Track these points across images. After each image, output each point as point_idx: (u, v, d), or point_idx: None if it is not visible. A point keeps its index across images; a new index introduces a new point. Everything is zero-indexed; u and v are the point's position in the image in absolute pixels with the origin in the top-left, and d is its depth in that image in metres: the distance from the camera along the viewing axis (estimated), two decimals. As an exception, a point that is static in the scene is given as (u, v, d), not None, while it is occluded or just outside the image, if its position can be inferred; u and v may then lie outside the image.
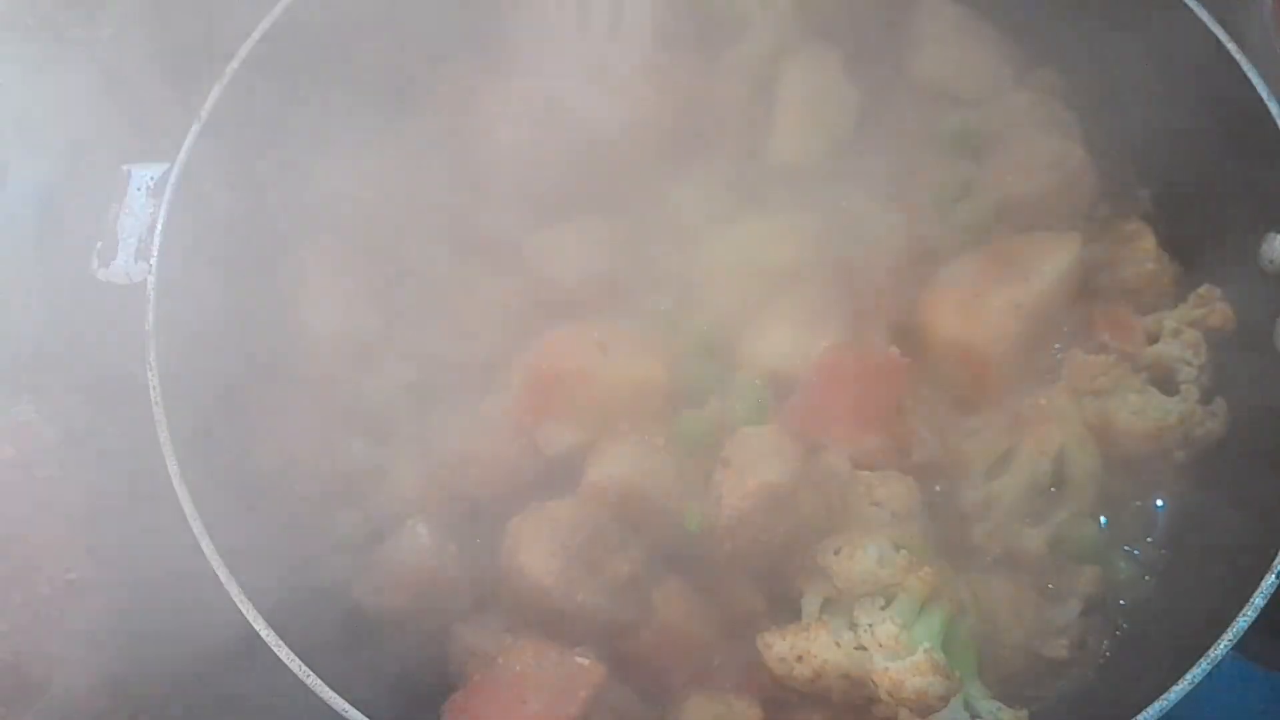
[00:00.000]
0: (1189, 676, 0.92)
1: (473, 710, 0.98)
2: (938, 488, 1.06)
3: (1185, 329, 1.10)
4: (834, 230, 1.13)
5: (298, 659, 0.91)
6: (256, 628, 0.91)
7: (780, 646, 0.98)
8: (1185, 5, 1.11)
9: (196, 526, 0.94)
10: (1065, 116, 1.20)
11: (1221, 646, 0.93)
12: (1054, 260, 1.09)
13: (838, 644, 0.96)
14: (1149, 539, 1.11)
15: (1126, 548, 1.10)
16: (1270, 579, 0.94)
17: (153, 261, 1.02)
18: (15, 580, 1.08)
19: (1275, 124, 1.06)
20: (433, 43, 1.21)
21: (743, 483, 0.99)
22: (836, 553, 0.98)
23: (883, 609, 0.97)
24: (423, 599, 1.02)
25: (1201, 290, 1.12)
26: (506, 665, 0.99)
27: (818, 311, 1.09)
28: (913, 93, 1.21)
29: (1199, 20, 1.11)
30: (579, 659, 0.98)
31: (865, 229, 1.14)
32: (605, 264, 1.12)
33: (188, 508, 0.94)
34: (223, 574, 0.93)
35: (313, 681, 0.90)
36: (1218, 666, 0.92)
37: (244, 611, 0.92)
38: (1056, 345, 1.11)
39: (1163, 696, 0.91)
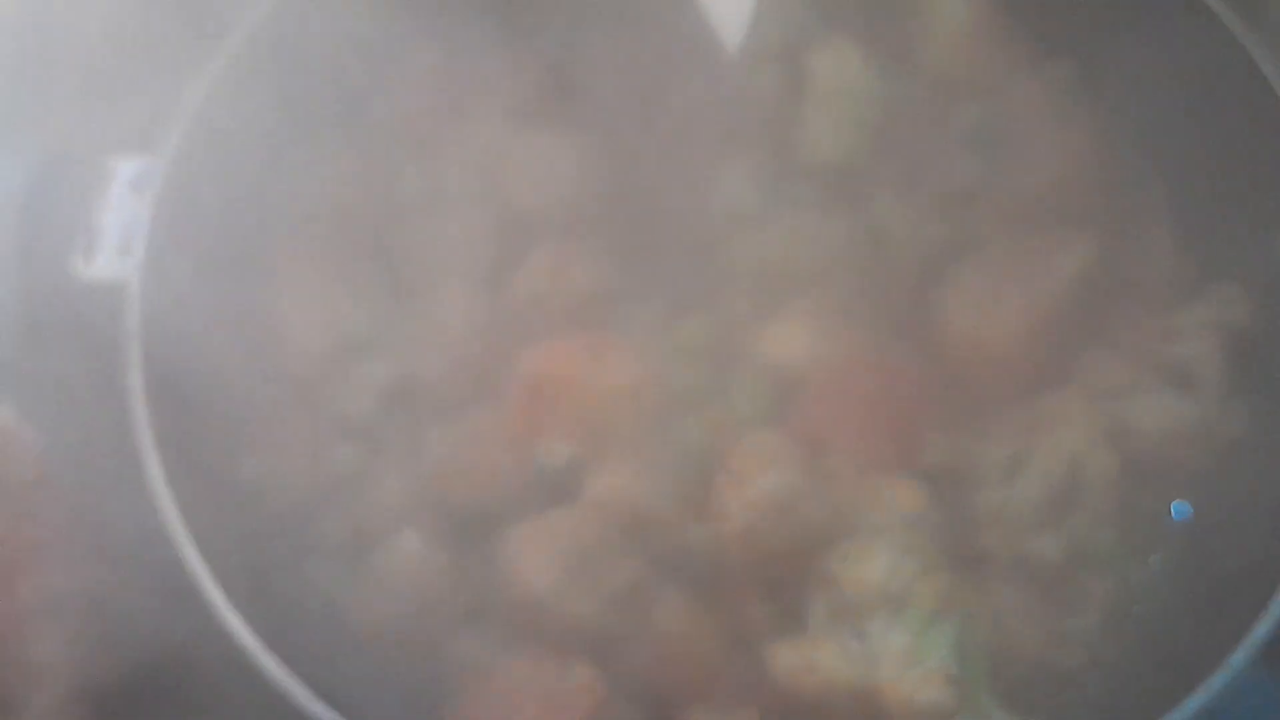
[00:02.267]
0: (1206, 686, 0.91)
1: (468, 722, 0.97)
2: (949, 493, 1.05)
3: (1202, 328, 1.08)
4: (856, 229, 1.12)
5: (286, 669, 0.90)
6: (243, 639, 0.91)
7: (787, 658, 0.97)
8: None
9: (181, 533, 0.93)
10: (1080, 112, 1.19)
11: (1240, 655, 0.91)
12: (1069, 259, 1.08)
13: (846, 654, 0.96)
14: (1166, 544, 1.08)
15: (1143, 554, 1.08)
16: (1290, 586, 0.93)
17: (137, 260, 1.02)
18: (-4, 587, 1.07)
19: (1292, 119, 1.05)
20: (416, 43, 1.19)
21: (746, 491, 0.98)
22: (844, 560, 0.98)
23: (892, 618, 0.96)
24: (415, 609, 1.02)
25: (1219, 289, 1.10)
26: (502, 677, 0.98)
27: (833, 313, 1.08)
28: (925, 85, 1.19)
29: (1215, 15, 1.10)
30: (577, 671, 0.97)
31: (883, 227, 1.13)
32: (608, 281, 1.11)
33: (172, 514, 0.94)
34: (208, 582, 0.92)
35: (302, 694, 0.89)
36: (1237, 676, 0.91)
37: (230, 621, 0.91)
38: (1071, 345, 1.10)
39: (1179, 706, 0.90)
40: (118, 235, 1.08)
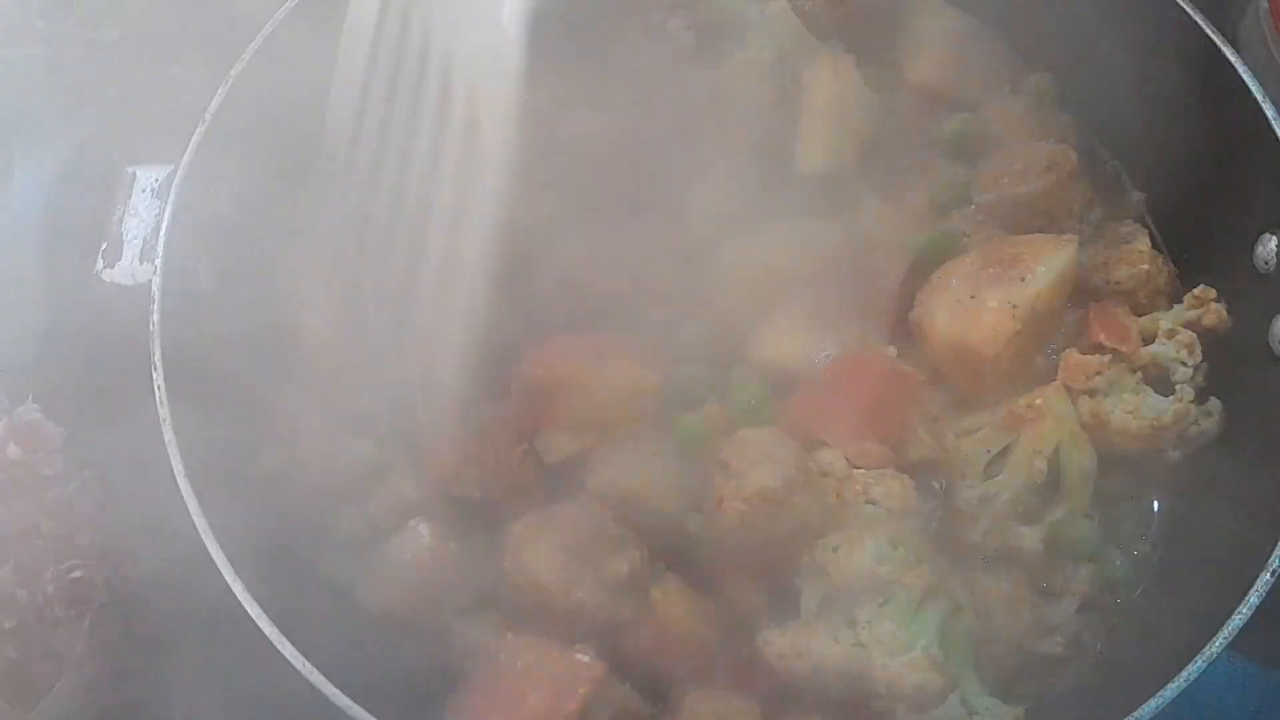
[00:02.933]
0: (1184, 674, 0.92)
1: (474, 706, 0.99)
2: (934, 486, 1.06)
3: (1180, 329, 1.10)
4: (847, 235, 1.14)
5: (301, 656, 0.91)
6: (260, 625, 0.92)
7: (779, 643, 0.98)
8: (1180, 8, 1.11)
9: (201, 525, 0.94)
10: (1060, 120, 1.22)
11: (1217, 644, 0.93)
12: (1049, 262, 1.09)
13: (836, 641, 0.97)
14: (1144, 537, 1.11)
15: (1122, 546, 1.10)
16: (1265, 577, 0.94)
17: (157, 262, 1.03)
18: (20, 578, 1.08)
19: (1269, 126, 1.06)
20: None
21: (741, 486, 0.99)
22: (834, 550, 0.99)
23: (880, 606, 0.97)
24: (424, 597, 1.03)
25: (1196, 291, 1.12)
26: (508, 662, 0.99)
27: (825, 314, 1.10)
28: (910, 96, 1.21)
29: (1194, 23, 1.11)
30: (579, 656, 0.98)
31: (872, 233, 1.14)
32: (611, 285, 1.13)
33: (192, 506, 0.95)
34: (227, 572, 0.93)
35: (316, 679, 0.91)
36: (1213, 664, 0.92)
37: (248, 609, 0.92)
38: (1052, 345, 1.12)
39: (1158, 694, 0.92)
40: (139, 239, 1.10)
